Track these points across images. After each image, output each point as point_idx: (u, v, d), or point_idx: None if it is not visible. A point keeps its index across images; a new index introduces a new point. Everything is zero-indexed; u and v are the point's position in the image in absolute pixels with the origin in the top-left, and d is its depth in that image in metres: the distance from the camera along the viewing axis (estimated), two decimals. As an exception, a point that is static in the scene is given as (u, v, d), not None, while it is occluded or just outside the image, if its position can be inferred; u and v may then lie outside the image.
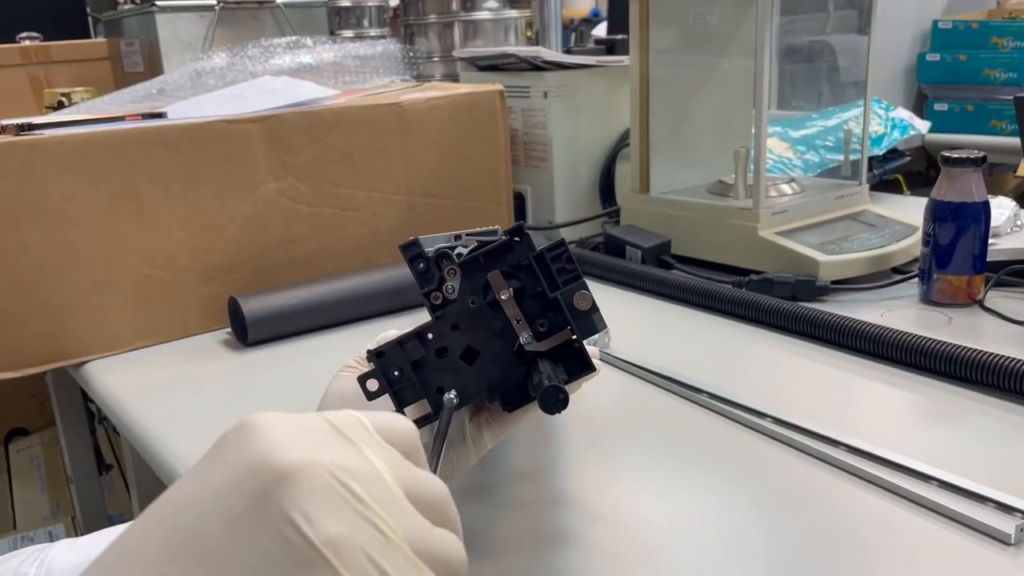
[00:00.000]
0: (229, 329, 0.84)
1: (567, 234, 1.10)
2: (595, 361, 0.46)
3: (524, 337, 0.44)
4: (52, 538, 1.15)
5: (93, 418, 1.24)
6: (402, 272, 0.88)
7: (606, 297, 0.91)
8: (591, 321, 0.44)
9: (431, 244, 0.45)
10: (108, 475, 1.26)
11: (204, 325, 0.85)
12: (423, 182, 0.96)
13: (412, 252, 0.44)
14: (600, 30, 2.55)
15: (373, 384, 0.44)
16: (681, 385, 0.67)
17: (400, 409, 0.44)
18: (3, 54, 1.55)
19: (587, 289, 0.44)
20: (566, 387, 0.42)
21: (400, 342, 0.44)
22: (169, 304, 0.83)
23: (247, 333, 0.80)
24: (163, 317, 0.83)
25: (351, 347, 0.80)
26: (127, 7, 1.44)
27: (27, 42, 1.68)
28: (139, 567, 0.26)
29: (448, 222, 0.97)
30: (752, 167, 0.93)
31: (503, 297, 0.44)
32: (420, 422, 0.45)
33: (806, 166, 1.17)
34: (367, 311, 0.87)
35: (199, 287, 0.84)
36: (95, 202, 0.77)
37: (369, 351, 0.44)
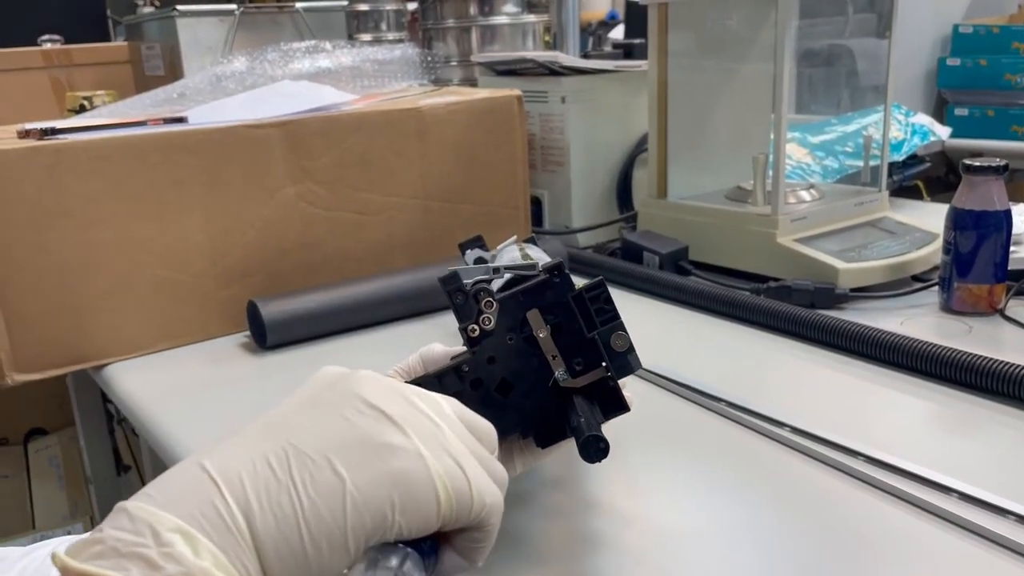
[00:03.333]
0: (248, 332, 0.85)
1: (584, 239, 1.10)
2: (627, 393, 0.47)
3: (560, 373, 0.45)
4: (71, 538, 1.16)
5: (112, 419, 1.25)
6: (419, 276, 0.88)
7: (623, 303, 0.90)
8: (627, 361, 0.45)
9: (469, 276, 0.46)
10: (126, 476, 1.27)
11: (223, 328, 0.86)
12: (440, 186, 0.96)
13: (451, 285, 0.45)
14: (617, 32, 2.55)
15: None
16: (699, 393, 0.67)
17: None
18: (25, 57, 1.57)
19: (624, 330, 0.44)
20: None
21: (438, 376, 0.45)
22: (188, 307, 0.83)
23: (266, 336, 0.81)
24: (182, 320, 0.83)
25: (369, 350, 0.81)
26: (148, 10, 1.45)
27: (48, 44, 1.70)
28: (238, 445, 0.33)
29: (465, 227, 0.97)
30: (771, 173, 0.92)
31: (541, 335, 0.44)
32: None
33: (825, 172, 1.17)
34: (385, 315, 0.87)
35: (218, 290, 0.85)
36: (116, 205, 0.78)
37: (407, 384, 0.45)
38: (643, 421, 0.64)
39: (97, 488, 1.10)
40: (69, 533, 1.17)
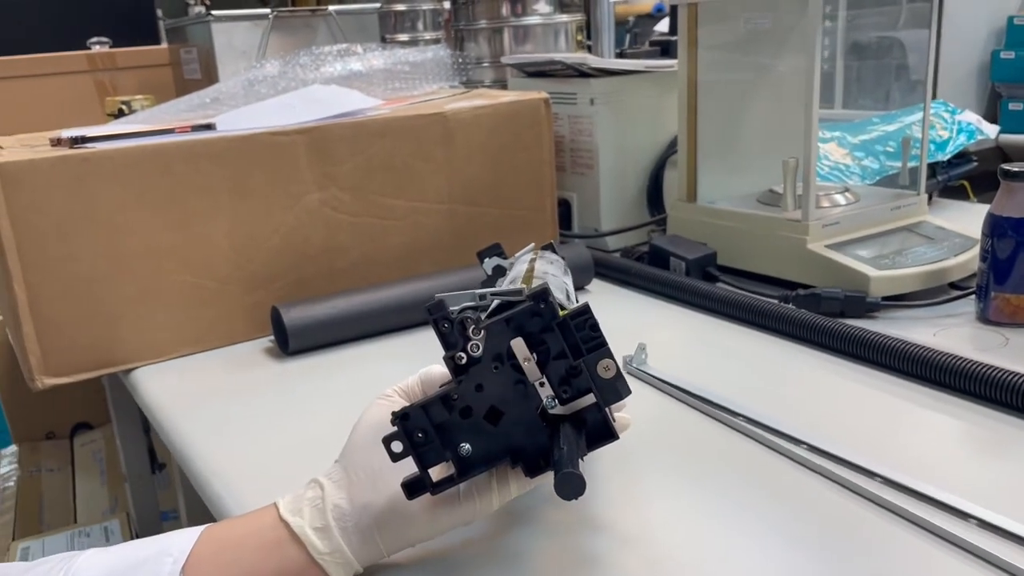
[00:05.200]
0: (272, 337, 0.86)
1: (613, 242, 1.09)
2: (622, 415, 0.46)
3: (547, 401, 0.44)
4: (107, 535, 1.19)
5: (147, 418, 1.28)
6: (442, 282, 0.88)
7: (647, 309, 0.90)
8: (615, 388, 0.44)
9: (455, 302, 0.45)
10: (162, 473, 1.30)
11: (248, 333, 0.87)
12: (466, 191, 0.96)
13: (437, 313, 0.44)
14: (663, 25, 2.51)
15: (397, 446, 0.44)
16: (717, 407, 0.65)
17: (424, 471, 0.44)
18: (71, 61, 1.61)
19: (611, 357, 0.43)
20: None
21: (424, 405, 0.44)
22: (213, 312, 0.85)
23: (288, 342, 0.81)
24: (208, 325, 0.84)
25: (391, 356, 0.82)
26: (199, 11, 1.47)
27: (97, 47, 1.74)
28: None
29: (491, 231, 0.96)
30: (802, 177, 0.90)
31: (526, 363, 0.44)
32: (444, 484, 0.45)
33: (864, 173, 1.14)
34: (407, 321, 0.87)
35: (243, 296, 0.86)
36: (143, 213, 0.79)
37: (393, 413, 0.44)
38: (655, 434, 0.64)
39: (132, 485, 1.12)
40: (106, 530, 1.20)
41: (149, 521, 1.14)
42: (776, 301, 0.83)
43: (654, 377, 0.71)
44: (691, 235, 0.98)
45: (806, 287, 0.85)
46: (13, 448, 1.51)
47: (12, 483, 1.40)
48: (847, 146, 1.18)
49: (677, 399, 0.69)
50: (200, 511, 0.96)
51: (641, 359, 0.74)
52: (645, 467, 0.59)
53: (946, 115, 1.23)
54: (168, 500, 1.20)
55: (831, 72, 1.76)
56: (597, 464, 0.59)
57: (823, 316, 0.77)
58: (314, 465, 0.50)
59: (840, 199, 0.95)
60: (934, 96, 1.60)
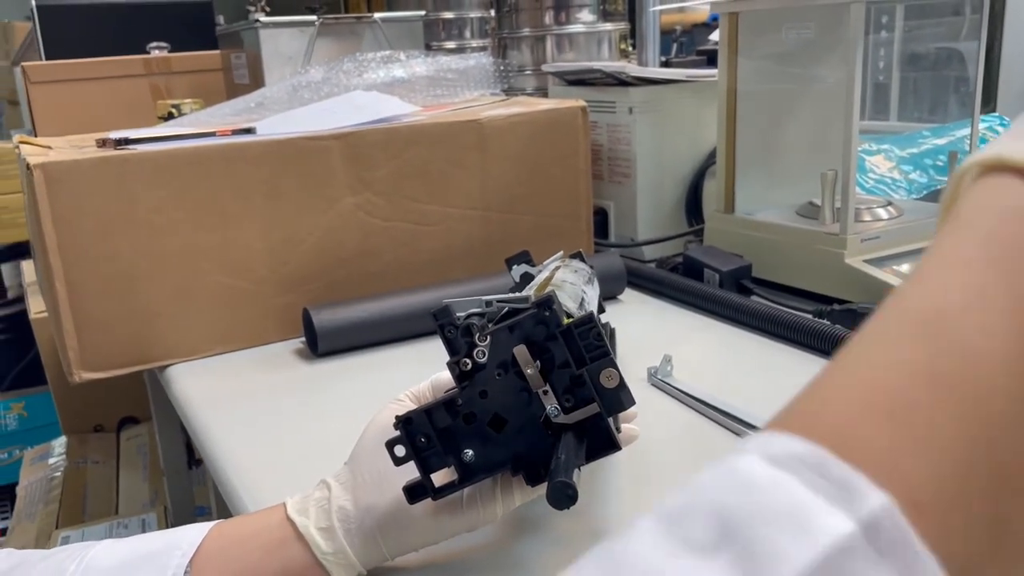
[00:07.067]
0: (304, 338, 0.87)
1: (650, 252, 1.08)
2: (629, 427, 0.46)
3: (550, 409, 0.44)
4: (144, 527, 1.22)
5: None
6: (472, 288, 0.88)
7: (679, 320, 0.89)
8: (618, 398, 0.43)
9: (462, 308, 0.45)
10: (199, 468, 1.33)
11: (280, 333, 0.88)
12: (500, 198, 0.96)
13: (442, 319, 0.44)
14: (717, 35, 2.49)
15: (400, 450, 0.45)
16: (737, 421, 0.64)
17: (426, 476, 0.45)
18: (128, 65, 1.66)
19: (615, 367, 0.43)
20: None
21: (427, 410, 0.44)
22: (247, 312, 0.86)
23: (317, 344, 0.83)
24: (241, 325, 0.86)
25: (419, 361, 0.82)
26: (257, 14, 1.51)
27: (156, 52, 1.79)
28: None
29: (524, 238, 0.96)
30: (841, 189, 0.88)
31: (529, 371, 0.43)
32: (446, 489, 0.45)
33: (911, 187, 1.11)
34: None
35: (276, 297, 0.87)
36: (180, 214, 0.81)
37: (397, 417, 0.45)
38: (673, 447, 0.63)
39: (169, 479, 1.15)
40: (144, 522, 1.23)
41: (184, 515, 1.17)
42: (811, 316, 0.82)
43: (677, 389, 0.70)
44: (728, 246, 0.97)
45: (843, 302, 0.83)
46: (62, 439, 1.55)
47: (59, 474, 1.45)
48: (894, 159, 1.15)
49: (699, 412, 0.68)
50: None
51: (666, 371, 0.73)
52: (661, 479, 0.58)
53: (1001, 129, 1.20)
54: (204, 495, 1.22)
55: (887, 83, 1.72)
56: (612, 475, 0.58)
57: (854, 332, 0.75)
58: (333, 466, 0.50)
59: (882, 213, 0.93)
60: (993, 109, 1.55)
